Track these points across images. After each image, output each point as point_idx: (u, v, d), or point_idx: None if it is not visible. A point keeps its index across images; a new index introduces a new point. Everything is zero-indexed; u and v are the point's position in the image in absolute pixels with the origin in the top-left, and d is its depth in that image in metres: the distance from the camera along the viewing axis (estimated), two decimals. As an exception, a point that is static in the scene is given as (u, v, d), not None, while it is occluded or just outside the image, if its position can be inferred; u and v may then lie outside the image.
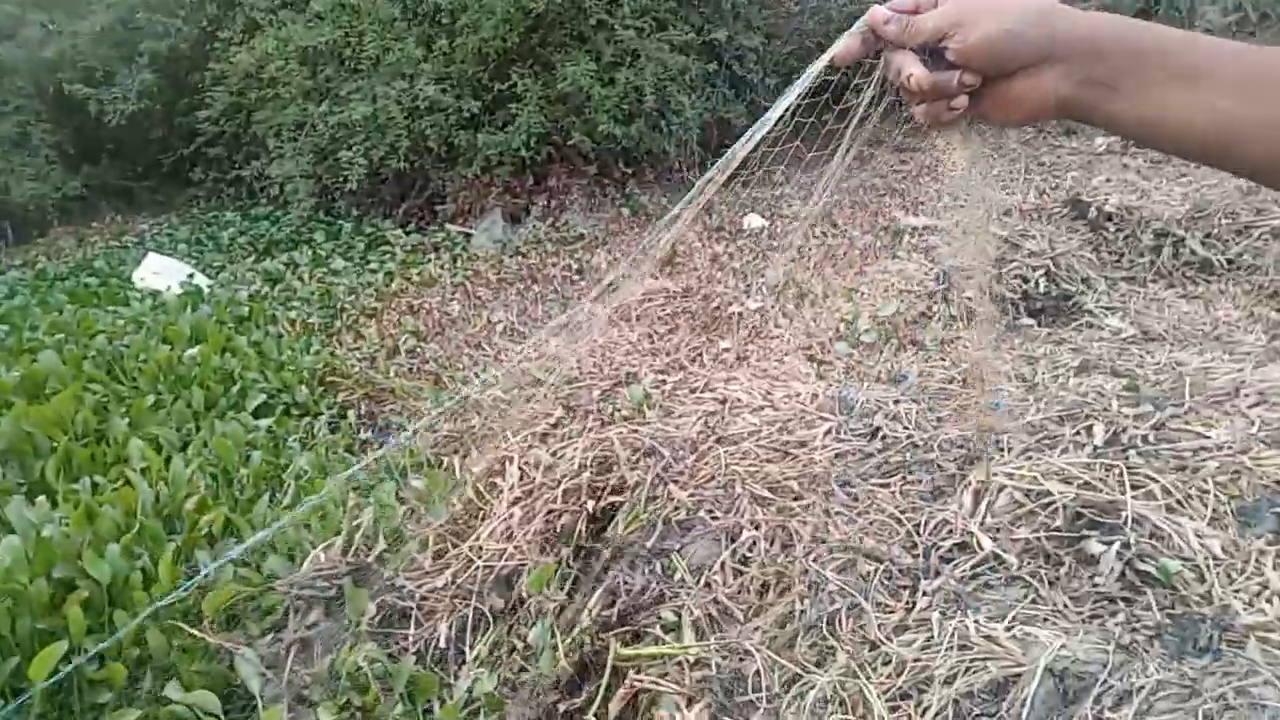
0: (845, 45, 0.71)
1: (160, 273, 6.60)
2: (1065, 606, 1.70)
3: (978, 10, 0.64)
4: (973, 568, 1.82)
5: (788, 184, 7.78)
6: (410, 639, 2.16)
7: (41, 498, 2.63)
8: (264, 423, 3.62)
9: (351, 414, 3.86)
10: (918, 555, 1.87)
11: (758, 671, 1.67)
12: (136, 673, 2.00)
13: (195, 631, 2.04)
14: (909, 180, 7.26)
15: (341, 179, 6.90)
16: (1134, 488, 1.91)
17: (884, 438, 2.42)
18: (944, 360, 3.12)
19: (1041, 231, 4.03)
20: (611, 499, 2.32)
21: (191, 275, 6.47)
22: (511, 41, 6.63)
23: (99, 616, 2.07)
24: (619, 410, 2.85)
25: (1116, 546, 1.74)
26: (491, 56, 6.78)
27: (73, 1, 8.62)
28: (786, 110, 0.73)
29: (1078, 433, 2.24)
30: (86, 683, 1.92)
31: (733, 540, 2.04)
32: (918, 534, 1.93)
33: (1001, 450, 2.25)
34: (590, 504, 2.30)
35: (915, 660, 1.62)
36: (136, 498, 2.52)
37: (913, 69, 0.66)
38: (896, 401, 2.66)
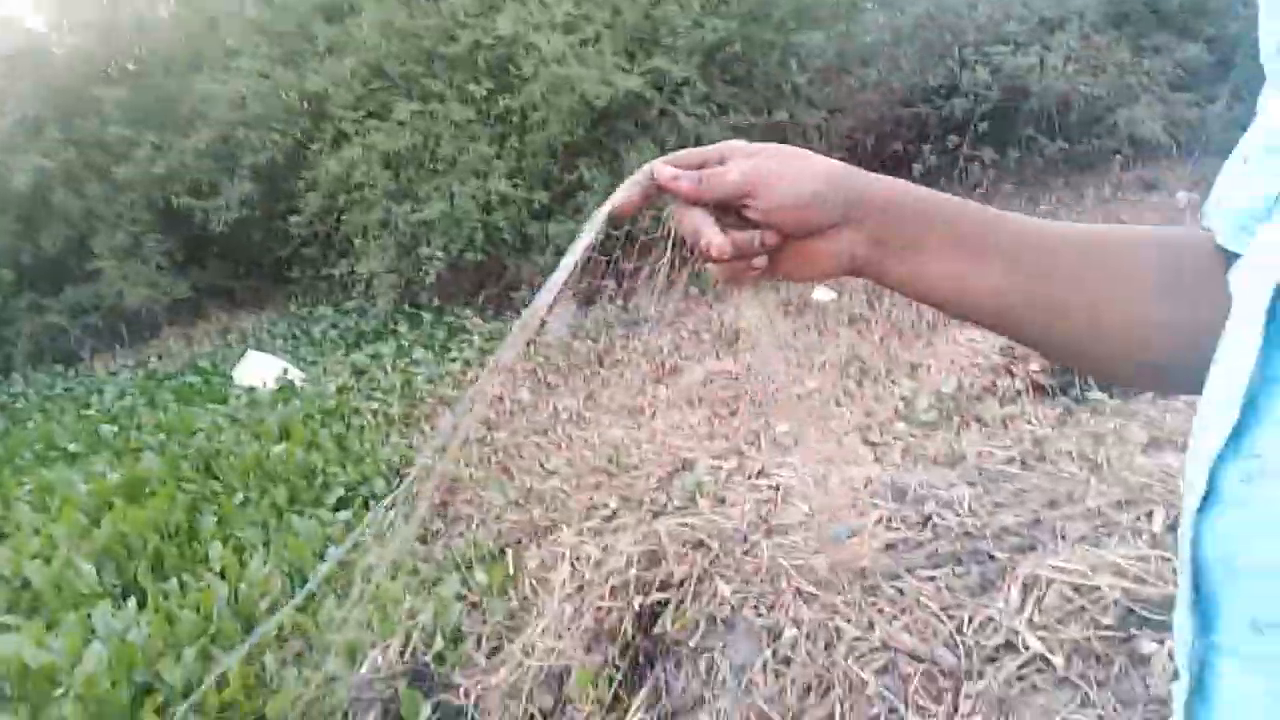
0: (625, 196, 0.67)
1: (258, 369, 7.00)
2: (1116, 710, 1.63)
3: (780, 170, 0.63)
4: (1019, 668, 1.77)
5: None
6: (465, 739, 2.21)
7: (132, 599, 2.81)
8: (343, 515, 3.77)
9: (425, 489, 3.99)
10: (960, 655, 1.82)
11: (793, 780, 1.64)
12: (207, 775, 2.10)
13: (260, 734, 2.13)
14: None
15: (422, 273, 7.23)
16: (1190, 580, 1.83)
17: (935, 526, 2.38)
18: (1006, 439, 3.05)
19: (1110, 298, 3.92)
20: (659, 595, 2.34)
21: (286, 370, 6.84)
22: (578, 135, 6.91)
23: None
24: (671, 500, 2.88)
25: (1169, 645, 1.67)
26: (560, 150, 7.07)
27: (180, 121, 9.39)
28: (576, 266, 0.68)
29: (1137, 519, 2.16)
30: (160, 787, 2.02)
31: (775, 639, 2.03)
32: (962, 632, 1.88)
33: (1058, 538, 2.19)
34: (638, 600, 2.32)
35: (955, 769, 1.57)
36: (214, 599, 2.66)
37: (711, 237, 0.63)
38: (952, 485, 2.62)
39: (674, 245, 0.70)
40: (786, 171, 0.63)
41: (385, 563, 2.80)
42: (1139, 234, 0.63)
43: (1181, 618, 0.42)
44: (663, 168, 0.66)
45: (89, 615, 2.59)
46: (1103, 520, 2.21)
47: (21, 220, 9.54)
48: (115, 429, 5.53)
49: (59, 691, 2.22)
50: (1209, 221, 0.55)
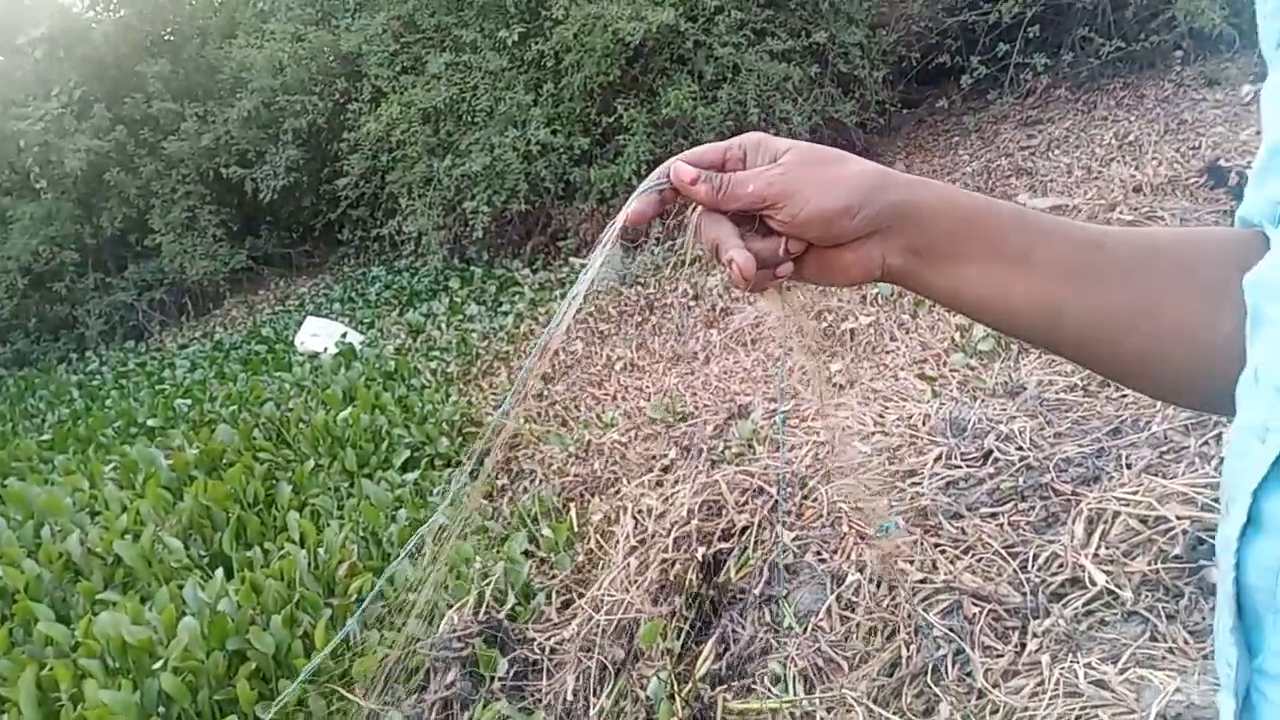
0: (637, 208, 0.62)
1: (318, 334, 7.16)
2: (1187, 642, 1.62)
3: (807, 179, 0.58)
4: (1086, 604, 1.76)
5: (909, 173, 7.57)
6: (543, 690, 2.29)
7: (219, 571, 2.95)
8: (410, 476, 3.88)
9: (488, 461, 4.07)
10: (1026, 593, 1.82)
11: (862, 724, 1.68)
12: (302, 734, 2.23)
13: (349, 695, 2.24)
14: (1037, 156, 6.91)
15: (469, 227, 7.27)
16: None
17: (995, 461, 2.36)
18: (1067, 366, 2.98)
19: (1174, 208, 3.76)
20: (721, 544, 2.37)
21: (345, 334, 6.98)
22: (614, 75, 6.79)
23: (267, 684, 2.31)
24: (729, 447, 2.89)
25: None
26: (596, 92, 6.97)
27: (221, 91, 9.48)
28: (591, 285, 0.65)
29: (1205, 443, 2.11)
30: (258, 747, 2.15)
31: (838, 584, 2.05)
32: (1026, 570, 1.88)
33: (1123, 468, 2.15)
34: (700, 551, 2.35)
35: (1024, 709, 1.59)
36: (296, 567, 2.78)
37: (735, 253, 0.58)
38: (1012, 418, 2.58)
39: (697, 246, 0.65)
40: (811, 181, 0.58)
41: (458, 524, 2.89)
42: (1206, 234, 0.57)
43: (1225, 643, 0.42)
44: (681, 168, 0.61)
45: (180, 588, 2.72)
46: (1169, 446, 2.17)
47: (80, 202, 9.79)
48: (189, 402, 5.73)
49: (157, 664, 2.35)
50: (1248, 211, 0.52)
